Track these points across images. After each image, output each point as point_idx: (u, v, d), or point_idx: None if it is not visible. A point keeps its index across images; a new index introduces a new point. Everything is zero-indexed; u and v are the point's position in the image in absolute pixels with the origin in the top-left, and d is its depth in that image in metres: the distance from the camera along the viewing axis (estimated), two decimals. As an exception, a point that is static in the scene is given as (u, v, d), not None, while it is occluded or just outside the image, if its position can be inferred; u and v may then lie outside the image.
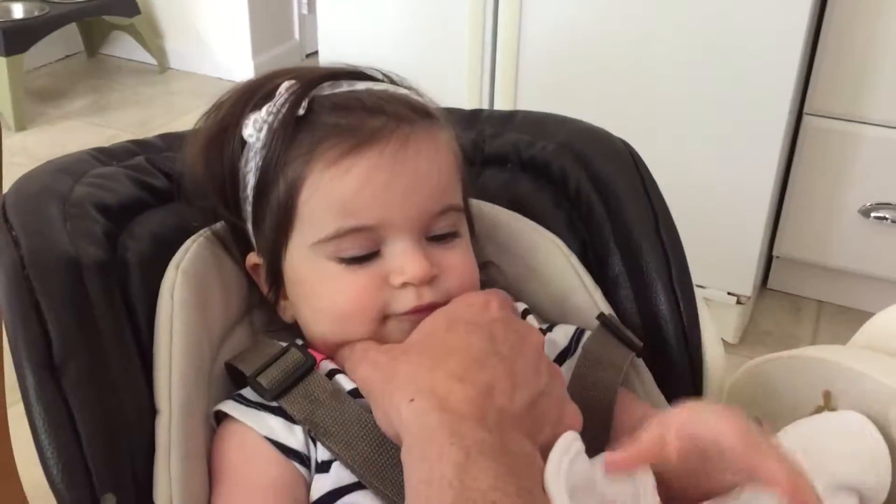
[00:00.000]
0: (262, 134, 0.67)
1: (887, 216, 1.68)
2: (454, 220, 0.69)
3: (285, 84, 0.67)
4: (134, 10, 2.90)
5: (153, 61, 3.00)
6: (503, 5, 1.62)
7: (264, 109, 0.67)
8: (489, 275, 0.76)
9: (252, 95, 0.69)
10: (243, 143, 0.69)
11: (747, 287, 1.69)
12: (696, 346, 0.75)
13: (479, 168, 0.86)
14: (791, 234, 1.79)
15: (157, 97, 2.85)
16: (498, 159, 0.86)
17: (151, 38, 2.96)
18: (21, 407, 0.58)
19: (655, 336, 0.75)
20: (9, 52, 2.54)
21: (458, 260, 0.69)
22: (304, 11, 3.01)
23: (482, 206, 0.81)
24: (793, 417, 0.71)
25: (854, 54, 1.58)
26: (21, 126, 2.53)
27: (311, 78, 0.68)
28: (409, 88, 0.72)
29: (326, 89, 0.68)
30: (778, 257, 1.87)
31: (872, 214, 1.69)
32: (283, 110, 0.66)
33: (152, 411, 0.62)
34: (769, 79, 1.52)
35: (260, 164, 0.67)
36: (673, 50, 1.55)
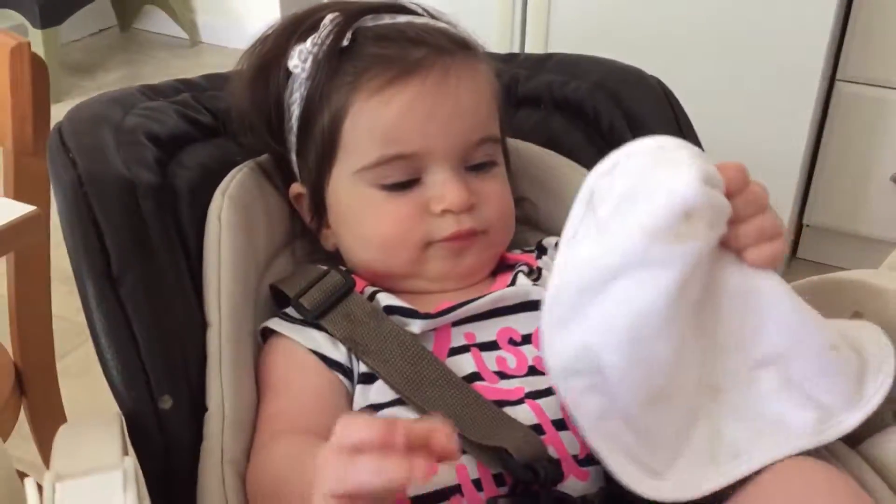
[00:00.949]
0: (307, 65, 0.69)
1: (921, 184, 1.67)
2: (492, 151, 0.71)
3: (329, 16, 0.69)
4: (165, -16, 2.93)
5: (185, 35, 3.03)
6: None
7: (309, 41, 0.69)
8: (524, 209, 0.78)
9: (297, 28, 0.71)
10: (288, 74, 0.71)
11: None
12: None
13: (514, 108, 0.87)
14: (822, 203, 1.77)
15: (189, 70, 2.86)
16: (532, 100, 0.87)
17: (183, 12, 2.99)
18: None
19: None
20: (44, 25, 2.58)
21: (495, 189, 0.71)
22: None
23: (517, 144, 0.83)
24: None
25: (887, 20, 1.57)
26: (56, 98, 2.56)
27: (354, 11, 0.70)
28: (448, 23, 0.74)
29: (369, 21, 0.70)
30: (808, 226, 1.86)
31: (905, 182, 1.69)
32: (328, 41, 0.68)
33: (203, 324, 0.65)
34: (801, 45, 1.52)
35: (305, 94, 0.70)
36: (702, 18, 1.56)
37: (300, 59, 0.69)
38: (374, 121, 0.67)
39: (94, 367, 0.62)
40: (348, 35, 0.68)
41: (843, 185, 1.74)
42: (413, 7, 0.74)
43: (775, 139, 1.61)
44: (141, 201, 0.66)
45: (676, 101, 0.83)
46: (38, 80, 0.97)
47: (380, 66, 0.67)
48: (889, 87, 1.63)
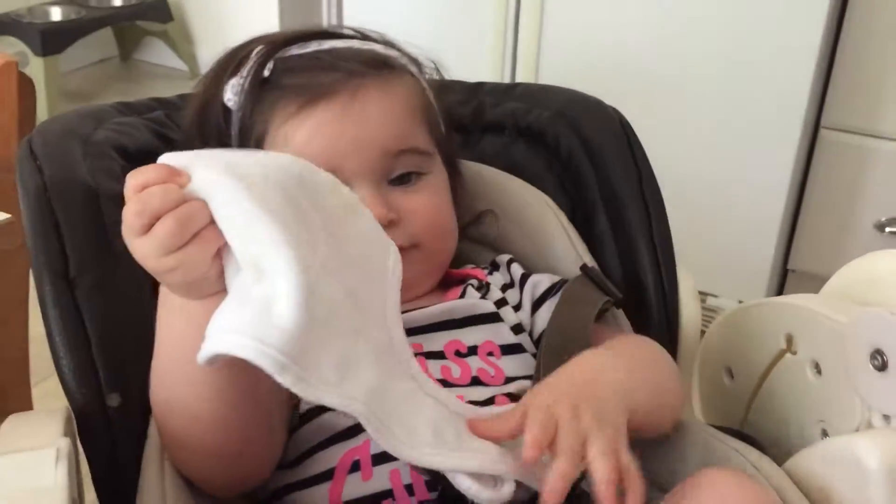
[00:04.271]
0: (239, 98, 0.71)
1: (904, 231, 1.69)
2: (417, 162, 0.72)
3: (256, 48, 0.72)
4: (167, 17, 2.99)
5: (184, 67, 3.08)
6: (524, 12, 1.67)
7: (238, 74, 0.72)
8: (484, 223, 0.81)
9: (231, 62, 0.74)
10: (226, 107, 0.73)
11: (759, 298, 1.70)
12: (673, 300, 0.78)
13: (479, 135, 0.91)
14: (806, 248, 1.78)
15: (187, 101, 2.93)
16: (496, 126, 0.90)
17: (183, 45, 3.05)
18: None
19: (636, 289, 0.79)
20: (45, 53, 2.63)
21: (421, 202, 0.71)
22: (334, 20, 3.08)
23: (481, 169, 0.86)
24: (759, 361, 0.75)
25: (870, 69, 1.60)
26: (55, 124, 2.62)
27: (280, 41, 0.73)
28: (382, 42, 0.76)
29: (294, 50, 0.72)
30: (793, 271, 1.87)
31: (887, 229, 1.70)
32: (251, 73, 0.71)
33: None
34: (784, 92, 1.55)
35: (237, 125, 0.72)
36: (689, 60, 1.60)
37: (233, 93, 0.72)
38: (287, 146, 0.68)
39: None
40: (269, 66, 0.71)
41: (827, 231, 1.75)
42: (343, 31, 0.76)
43: (759, 184, 1.63)
44: (104, 209, 0.68)
45: (633, 131, 0.86)
46: (24, 99, 1.01)
47: (292, 94, 0.69)
48: (872, 136, 1.64)
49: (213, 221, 0.51)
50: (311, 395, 0.49)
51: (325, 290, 0.51)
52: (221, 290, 0.52)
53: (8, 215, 0.82)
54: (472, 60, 1.73)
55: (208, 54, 3.11)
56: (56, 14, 2.84)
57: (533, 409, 0.54)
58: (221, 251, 0.51)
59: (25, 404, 1.10)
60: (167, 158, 0.52)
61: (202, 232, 0.50)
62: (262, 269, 0.49)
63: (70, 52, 2.76)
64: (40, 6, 2.84)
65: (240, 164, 0.52)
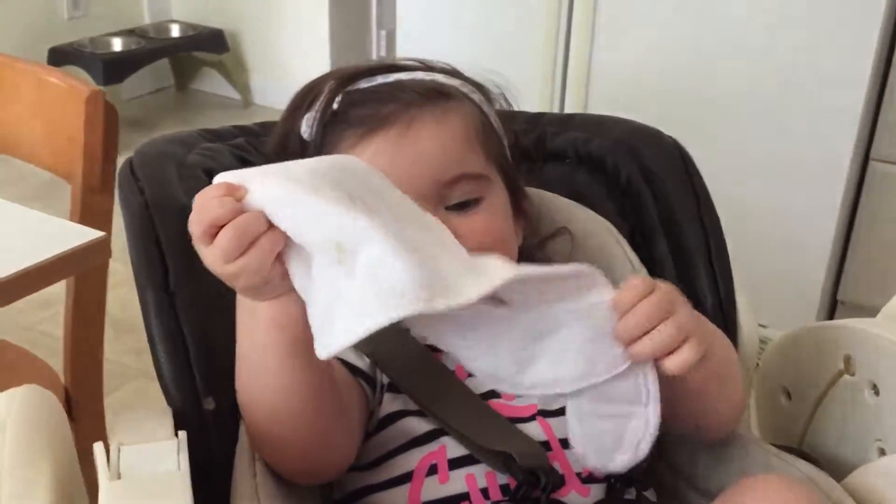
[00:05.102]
0: (312, 130, 0.76)
1: (951, 264, 1.69)
2: (473, 188, 0.75)
3: (328, 84, 0.77)
4: (223, 48, 3.09)
5: (238, 97, 3.18)
6: (574, 38, 1.72)
7: (313, 109, 0.77)
8: (558, 241, 0.84)
9: (306, 97, 0.79)
10: (303, 139, 0.78)
11: (814, 324, 1.71)
12: (731, 321, 0.81)
13: (542, 163, 0.95)
14: (855, 279, 1.79)
15: (241, 130, 3.01)
16: (558, 155, 0.95)
17: (238, 75, 3.15)
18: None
19: (696, 310, 0.82)
20: (107, 82, 2.74)
21: (479, 224, 0.74)
22: (383, 53, 3.16)
23: (543, 195, 0.89)
24: (817, 383, 0.77)
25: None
26: (115, 151, 2.71)
27: (349, 75, 0.77)
28: (447, 71, 0.80)
29: (362, 84, 0.76)
30: (842, 302, 1.88)
31: (937, 262, 1.71)
32: (322, 107, 0.75)
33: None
34: (834, 122, 1.58)
35: (312, 155, 0.77)
36: (738, 89, 1.63)
37: (307, 126, 0.76)
38: None
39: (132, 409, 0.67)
40: (337, 100, 0.75)
41: (877, 263, 1.76)
42: (407, 64, 0.80)
43: (809, 215, 1.65)
44: (197, 227, 0.73)
45: (691, 160, 0.89)
46: (109, 125, 1.07)
47: (356, 125, 0.73)
48: (921, 167, 1.67)
49: (270, 228, 0.55)
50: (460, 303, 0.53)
51: (405, 235, 0.55)
52: (287, 292, 0.57)
53: (102, 233, 0.87)
54: (523, 89, 1.77)
55: (262, 84, 3.23)
56: (117, 45, 2.96)
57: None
58: (282, 255, 0.56)
59: (98, 419, 1.16)
60: (224, 176, 0.57)
61: (259, 239, 0.55)
62: (344, 248, 0.53)
63: (129, 81, 2.87)
64: (102, 37, 2.95)
65: (289, 168, 0.58)
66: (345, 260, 0.53)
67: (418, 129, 0.73)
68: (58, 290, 1.05)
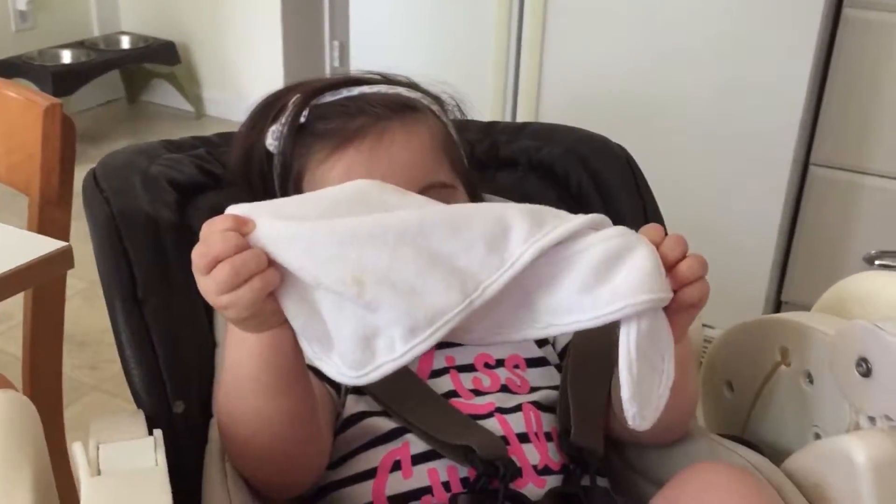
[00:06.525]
0: (279, 142, 0.79)
1: (891, 263, 1.76)
2: (442, 196, 0.75)
3: (293, 97, 0.79)
4: (174, 59, 3.08)
5: (190, 108, 3.17)
6: (525, 49, 1.77)
7: (278, 122, 0.79)
8: None
9: (271, 110, 0.81)
10: (268, 151, 0.80)
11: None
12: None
13: (494, 170, 0.98)
14: (798, 280, 1.85)
15: (193, 141, 3.01)
16: (510, 162, 0.98)
17: (190, 87, 3.14)
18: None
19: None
20: (57, 95, 2.70)
21: None
22: (336, 64, 3.18)
23: (494, 200, 0.93)
24: (757, 374, 0.82)
25: (857, 108, 1.68)
26: (65, 163, 2.69)
27: (314, 89, 0.80)
28: (407, 84, 0.83)
29: (328, 97, 0.79)
30: (786, 302, 1.93)
31: (877, 262, 1.76)
32: (289, 120, 0.78)
33: (213, 343, 0.74)
34: (774, 129, 1.64)
35: (279, 168, 0.80)
36: (682, 95, 1.69)
37: (273, 139, 0.79)
38: (322, 185, 0.74)
39: (85, 426, 0.67)
40: (304, 113, 0.78)
41: (818, 264, 1.81)
42: (369, 77, 0.83)
43: (752, 219, 1.71)
44: (163, 236, 0.76)
45: (637, 166, 0.94)
46: (66, 138, 1.08)
47: (325, 139, 0.76)
48: (860, 172, 1.72)
49: (269, 266, 0.56)
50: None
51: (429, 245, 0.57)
52: (278, 325, 0.58)
53: (65, 243, 0.88)
54: (474, 98, 1.81)
55: (214, 96, 3.22)
56: (66, 57, 2.94)
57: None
58: (276, 293, 0.57)
59: (59, 432, 1.16)
60: (235, 209, 0.58)
61: (253, 278, 0.56)
62: (364, 282, 0.54)
63: (79, 94, 2.85)
64: (51, 49, 2.93)
65: (304, 203, 0.59)
66: (363, 294, 0.54)
67: (390, 140, 0.75)
68: (10, 307, 1.04)
